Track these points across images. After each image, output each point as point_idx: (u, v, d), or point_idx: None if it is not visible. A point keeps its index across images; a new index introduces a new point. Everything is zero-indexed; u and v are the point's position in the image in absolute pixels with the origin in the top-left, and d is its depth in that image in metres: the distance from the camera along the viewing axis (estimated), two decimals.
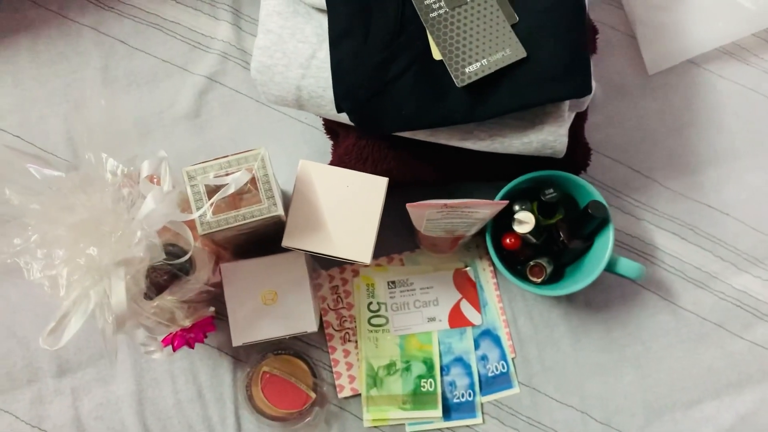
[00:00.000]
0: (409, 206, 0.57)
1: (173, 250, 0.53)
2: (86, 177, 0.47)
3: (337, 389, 0.70)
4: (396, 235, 0.71)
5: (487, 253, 0.73)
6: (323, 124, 0.71)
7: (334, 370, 0.70)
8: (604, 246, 0.65)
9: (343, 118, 0.60)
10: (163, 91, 0.74)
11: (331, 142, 0.71)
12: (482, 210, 0.58)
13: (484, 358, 0.71)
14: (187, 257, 0.51)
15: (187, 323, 0.61)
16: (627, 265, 0.65)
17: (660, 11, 0.75)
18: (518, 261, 0.68)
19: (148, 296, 0.53)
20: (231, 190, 0.53)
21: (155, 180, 0.55)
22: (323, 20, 0.59)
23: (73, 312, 0.50)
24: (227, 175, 0.54)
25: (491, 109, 0.55)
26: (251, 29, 0.75)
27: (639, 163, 0.74)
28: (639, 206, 0.74)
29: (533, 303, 0.72)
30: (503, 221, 0.67)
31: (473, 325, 0.71)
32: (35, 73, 0.74)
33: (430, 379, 0.70)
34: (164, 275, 0.52)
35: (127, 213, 0.48)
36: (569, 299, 0.72)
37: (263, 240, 0.66)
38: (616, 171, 0.74)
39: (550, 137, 0.58)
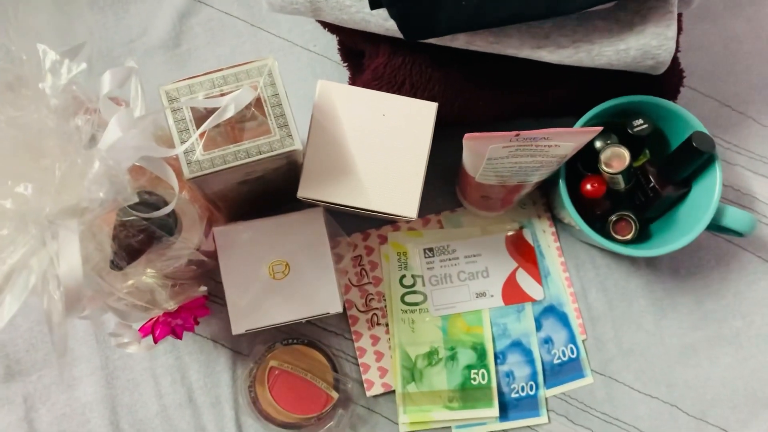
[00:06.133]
0: (468, 137, 0.43)
1: (151, 200, 0.38)
2: (16, 78, 0.31)
3: (365, 386, 0.57)
4: (431, 191, 0.56)
5: (546, 211, 0.59)
6: (339, 49, 0.57)
7: (359, 361, 0.57)
8: (708, 192, 0.51)
9: (373, 26, 0.46)
10: (134, 15, 0.60)
11: (349, 74, 0.57)
12: (565, 143, 0.44)
13: (547, 341, 0.57)
14: (170, 207, 0.36)
15: (172, 306, 0.46)
16: (736, 216, 0.51)
17: None
18: (594, 217, 0.53)
19: (116, 265, 0.37)
20: (229, 113, 0.38)
21: (122, 104, 0.39)
22: None
23: (7, 289, 0.34)
24: (223, 95, 0.39)
25: None
26: None
27: (729, 95, 0.61)
28: (730, 148, 0.60)
29: (606, 271, 0.58)
30: (574, 168, 0.53)
31: (533, 301, 0.57)
32: None
33: (482, 370, 0.56)
34: (138, 234, 0.37)
35: (78, 139, 0.33)
36: (650, 265, 0.58)
37: (269, 196, 0.51)
38: (701, 106, 0.60)
39: (653, 41, 0.44)
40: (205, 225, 0.45)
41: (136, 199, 0.33)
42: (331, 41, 0.58)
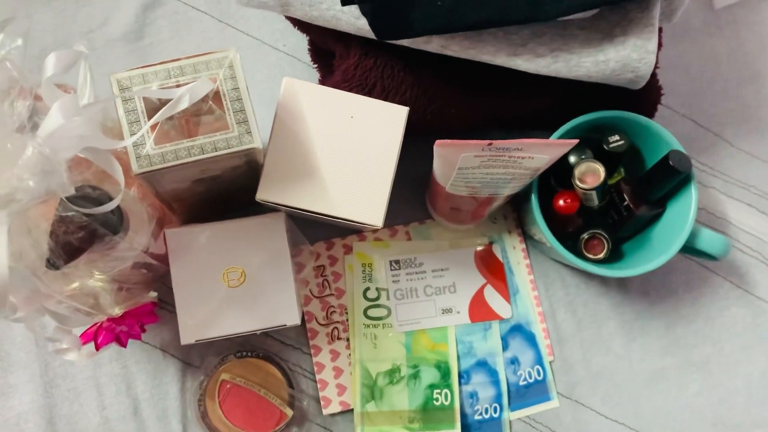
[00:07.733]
0: (440, 144, 0.41)
1: (94, 195, 0.35)
2: None
3: (322, 403, 0.54)
4: (400, 202, 0.54)
5: (518, 226, 0.57)
6: (310, 49, 0.54)
7: (317, 377, 0.54)
8: (683, 213, 0.49)
9: (344, 25, 0.43)
10: (94, 3, 0.56)
11: (319, 76, 0.54)
12: (538, 155, 0.42)
13: (514, 361, 0.55)
14: (114, 203, 0.33)
15: (117, 311, 0.43)
16: (710, 239, 0.49)
17: None
18: (566, 235, 0.51)
19: (52, 264, 0.34)
20: (183, 104, 0.35)
21: (71, 92, 0.37)
22: None
23: None
24: (179, 86, 0.37)
25: (564, 3, 0.39)
26: None
27: (705, 117, 0.60)
28: (705, 170, 0.59)
29: (576, 291, 0.56)
30: (547, 184, 0.52)
31: (501, 319, 0.55)
32: None
33: (446, 390, 0.54)
34: (78, 231, 0.34)
35: (11, 122, 0.30)
36: (621, 287, 0.57)
37: (227, 198, 0.48)
38: (677, 126, 0.59)
39: (633, 54, 0.42)
40: (156, 226, 0.42)
41: (73, 191, 0.30)
42: (302, 41, 0.56)
